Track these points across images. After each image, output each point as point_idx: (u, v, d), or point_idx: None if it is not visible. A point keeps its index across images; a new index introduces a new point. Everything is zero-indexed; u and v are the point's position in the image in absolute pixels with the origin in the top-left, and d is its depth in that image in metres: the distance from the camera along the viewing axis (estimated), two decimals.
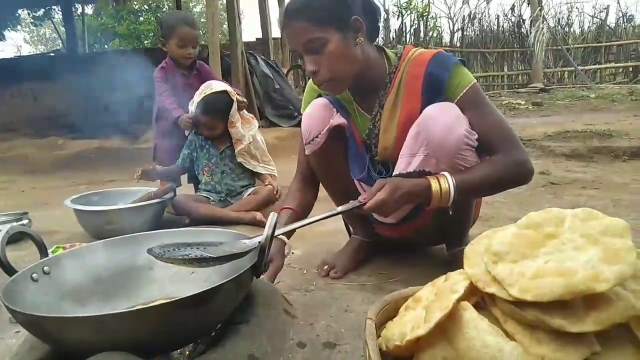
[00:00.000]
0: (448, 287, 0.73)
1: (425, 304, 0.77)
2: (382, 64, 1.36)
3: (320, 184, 1.59)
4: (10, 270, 0.94)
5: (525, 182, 1.28)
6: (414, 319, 0.71)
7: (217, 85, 2.39)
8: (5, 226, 0.94)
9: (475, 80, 1.27)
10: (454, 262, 1.50)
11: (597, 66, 11.02)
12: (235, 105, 2.39)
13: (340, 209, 1.19)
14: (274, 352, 0.94)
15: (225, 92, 2.37)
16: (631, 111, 6.16)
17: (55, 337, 0.80)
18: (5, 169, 4.84)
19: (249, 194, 2.42)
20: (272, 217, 0.95)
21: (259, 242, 0.95)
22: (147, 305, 0.74)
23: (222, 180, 2.45)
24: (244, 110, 2.52)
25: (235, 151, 2.42)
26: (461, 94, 1.24)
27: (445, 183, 1.17)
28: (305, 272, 1.58)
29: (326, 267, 1.59)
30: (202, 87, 2.38)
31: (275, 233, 1.02)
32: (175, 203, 2.29)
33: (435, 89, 1.26)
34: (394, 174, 1.32)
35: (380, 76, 1.35)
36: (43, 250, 1.04)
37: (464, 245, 1.53)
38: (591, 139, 3.81)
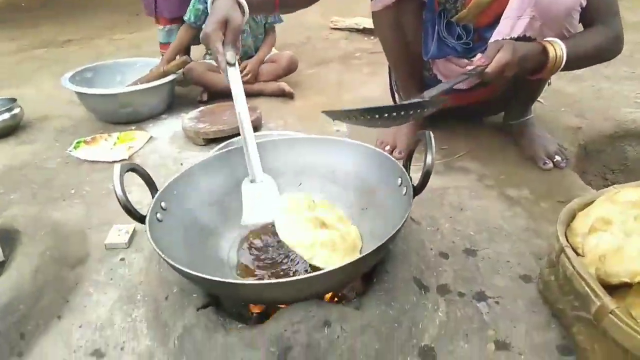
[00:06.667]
0: None
1: (624, 229, 0.76)
2: None
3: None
4: (136, 214, 0.82)
5: (614, 56, 1.22)
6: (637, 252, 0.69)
7: None
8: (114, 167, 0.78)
9: None
10: (517, 134, 1.50)
11: None
12: None
13: (457, 79, 1.08)
14: (427, 269, 0.93)
15: None
16: None
17: (246, 299, 0.74)
18: None
19: (266, 62, 2.18)
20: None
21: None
22: (342, 265, 0.68)
23: (242, 42, 2.15)
24: None
25: None
26: None
27: (559, 49, 1.09)
28: None
29: (388, 147, 1.55)
30: None
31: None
32: (189, 72, 2.03)
33: None
34: (493, 37, 1.19)
35: None
36: (152, 185, 0.91)
37: (527, 116, 1.52)
38: None
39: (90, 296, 0.96)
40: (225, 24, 0.93)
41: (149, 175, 0.90)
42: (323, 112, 0.94)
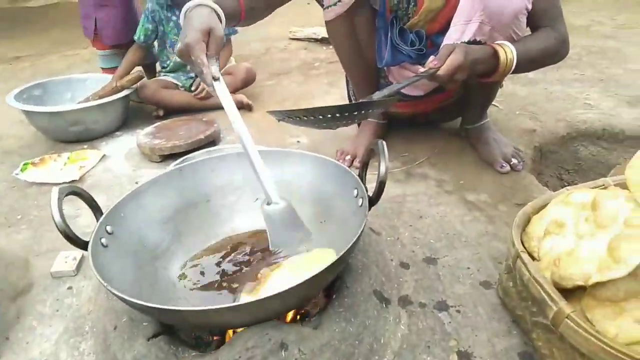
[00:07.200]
0: (609, 216, 0.72)
1: (576, 232, 0.76)
2: None
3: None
4: (78, 241, 0.77)
5: (561, 59, 1.26)
6: (594, 256, 0.69)
7: None
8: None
9: None
10: (474, 139, 1.52)
11: None
12: None
13: (407, 81, 1.08)
14: (388, 281, 0.91)
15: None
16: None
17: (196, 325, 0.70)
18: None
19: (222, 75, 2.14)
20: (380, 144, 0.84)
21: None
22: (298, 283, 0.65)
23: None
24: None
25: None
26: None
27: (509, 52, 1.11)
28: None
29: (348, 157, 1.54)
30: None
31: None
32: (143, 90, 1.97)
33: None
34: (444, 42, 1.21)
35: None
36: (97, 209, 0.85)
37: (483, 121, 1.54)
38: None
39: (33, 330, 0.90)
40: (208, 34, 0.86)
41: (91, 197, 0.85)
42: (268, 112, 0.94)
